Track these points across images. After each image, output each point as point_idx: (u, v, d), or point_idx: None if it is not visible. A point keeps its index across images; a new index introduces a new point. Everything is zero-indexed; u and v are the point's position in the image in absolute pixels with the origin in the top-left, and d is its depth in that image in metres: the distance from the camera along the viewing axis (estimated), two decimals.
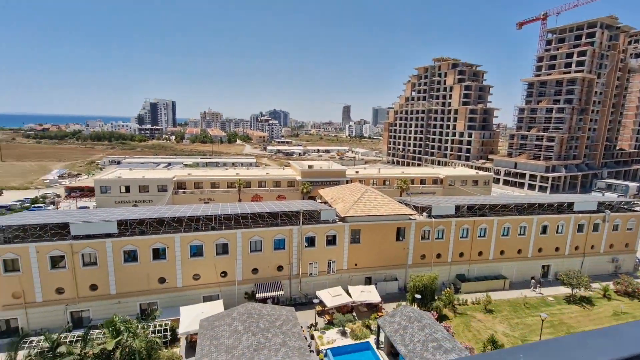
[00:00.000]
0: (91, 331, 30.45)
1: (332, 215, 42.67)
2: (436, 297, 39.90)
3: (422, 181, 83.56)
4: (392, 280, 44.27)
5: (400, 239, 44.66)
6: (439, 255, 46.14)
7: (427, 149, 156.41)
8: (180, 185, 69.95)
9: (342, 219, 43.03)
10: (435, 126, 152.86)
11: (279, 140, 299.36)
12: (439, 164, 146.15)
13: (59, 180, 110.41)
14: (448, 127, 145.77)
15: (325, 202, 52.39)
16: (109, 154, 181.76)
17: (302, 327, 32.41)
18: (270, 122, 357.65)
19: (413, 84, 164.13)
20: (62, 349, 28.04)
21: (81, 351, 27.90)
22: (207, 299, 38.24)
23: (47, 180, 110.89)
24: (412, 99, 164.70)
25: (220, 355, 24.04)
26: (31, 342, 30.07)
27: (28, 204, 78.92)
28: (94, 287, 35.52)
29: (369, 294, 39.31)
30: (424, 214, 47.41)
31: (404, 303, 39.05)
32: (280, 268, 40.72)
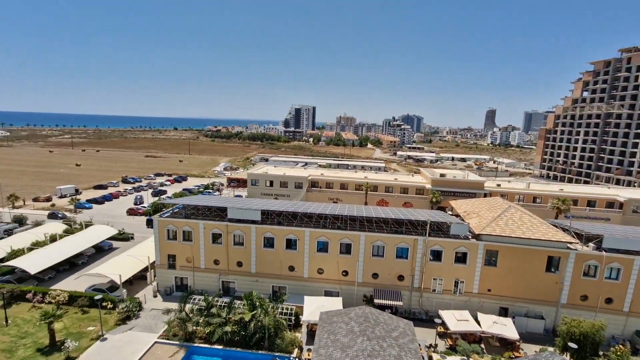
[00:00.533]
0: (235, 301, 36.07)
1: (464, 230, 38.60)
2: (600, 353, 31.21)
3: (591, 203, 66.93)
4: (536, 318, 36.90)
5: (552, 270, 36.81)
6: (609, 300, 36.00)
7: (600, 163, 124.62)
8: (313, 184, 75.83)
9: (476, 237, 38.37)
10: (616, 135, 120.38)
11: (410, 145, 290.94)
12: (617, 182, 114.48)
13: (224, 172, 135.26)
14: (638, 136, 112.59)
15: (457, 215, 47.88)
16: (260, 152, 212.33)
17: (419, 344, 30.39)
18: (402, 127, 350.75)
19: (586, 82, 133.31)
20: (214, 310, 34.04)
21: (226, 316, 33.29)
22: (328, 293, 40.13)
23: (216, 171, 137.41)
24: (583, 100, 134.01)
25: (336, 351, 24.75)
26: (194, 299, 37.68)
27: (202, 189, 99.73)
28: (239, 264, 41.95)
29: (504, 328, 33.80)
30: (590, 244, 37.77)
31: (550, 349, 32.02)
32: (401, 277, 39.29)
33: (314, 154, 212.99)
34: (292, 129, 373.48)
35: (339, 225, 41.02)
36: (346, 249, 39.79)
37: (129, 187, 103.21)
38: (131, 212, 76.48)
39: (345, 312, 29.66)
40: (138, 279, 45.82)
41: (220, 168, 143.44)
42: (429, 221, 39.11)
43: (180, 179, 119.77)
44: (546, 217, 55.60)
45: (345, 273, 40.14)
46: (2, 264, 44.85)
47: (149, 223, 67.34)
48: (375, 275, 39.61)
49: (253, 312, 32.11)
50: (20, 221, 64.89)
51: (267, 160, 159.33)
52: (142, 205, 79.67)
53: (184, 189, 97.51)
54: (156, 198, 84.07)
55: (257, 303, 32.54)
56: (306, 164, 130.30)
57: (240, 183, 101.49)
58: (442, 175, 75.92)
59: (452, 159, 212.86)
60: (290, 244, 40.71)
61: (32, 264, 43.64)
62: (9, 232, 59.09)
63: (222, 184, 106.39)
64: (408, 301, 39.17)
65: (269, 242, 41.06)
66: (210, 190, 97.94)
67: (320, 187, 75.25)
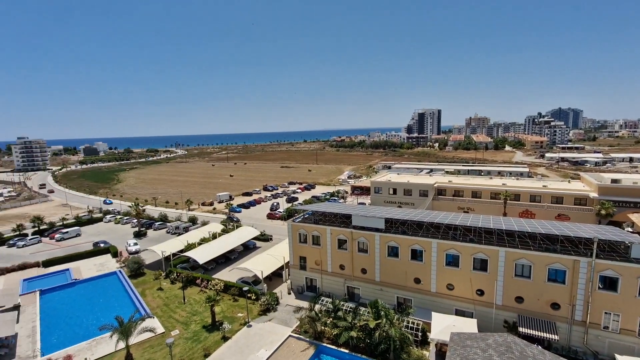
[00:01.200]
0: (360, 307, 36.53)
1: None
2: None
3: None
4: None
5: None
6: None
7: None
8: (440, 192, 70.86)
9: None
10: None
11: (563, 145, 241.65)
12: None
13: (348, 180, 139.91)
14: None
15: None
16: (383, 160, 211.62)
17: None
18: (553, 123, 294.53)
19: None
20: (340, 313, 35.21)
21: (351, 320, 33.97)
22: (459, 312, 36.51)
23: (340, 180, 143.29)
24: None
25: None
26: (322, 300, 39.84)
27: (328, 196, 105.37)
28: (364, 271, 42.36)
29: None
30: None
31: None
32: (555, 306, 32.55)
33: (440, 159, 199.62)
34: (415, 134, 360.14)
35: (472, 237, 37.00)
36: (481, 265, 35.60)
37: (268, 194, 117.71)
38: (270, 216, 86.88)
39: (482, 337, 26.27)
40: (276, 276, 51.40)
41: (345, 176, 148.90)
42: (596, 239, 31.31)
43: (309, 187, 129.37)
44: None
45: (481, 292, 35.79)
46: (182, 254, 57.30)
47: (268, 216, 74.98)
48: (519, 299, 33.98)
49: (378, 321, 31.82)
50: (193, 221, 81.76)
51: (389, 167, 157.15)
52: (278, 210, 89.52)
53: (312, 196, 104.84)
54: (289, 204, 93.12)
55: (382, 312, 32.11)
56: (431, 170, 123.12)
57: (364, 191, 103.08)
58: (614, 181, 60.11)
59: (630, 159, 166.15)
60: (416, 255, 38.89)
61: (201, 255, 54.24)
62: (186, 229, 75.18)
63: (347, 192, 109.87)
64: (566, 336, 32.03)
65: (393, 251, 40.21)
66: (336, 198, 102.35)
67: (448, 196, 69.71)
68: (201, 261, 53.26)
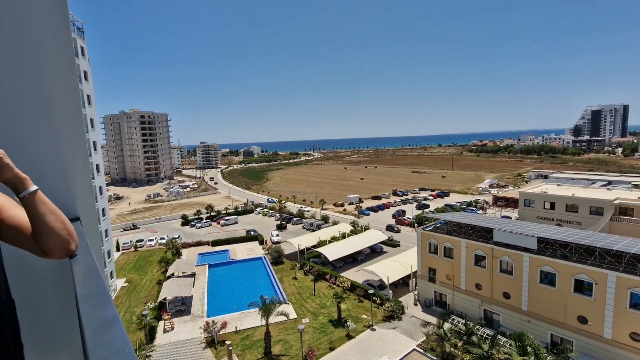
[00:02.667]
0: (499, 336, 31.78)
1: None
2: None
3: None
4: None
5: None
6: None
7: None
8: (623, 211, 55.11)
9: None
10: None
11: None
12: None
13: (489, 189, 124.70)
14: None
15: None
16: (537, 168, 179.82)
17: None
18: None
19: None
20: (474, 338, 31.46)
21: (488, 350, 29.86)
22: None
23: (480, 188, 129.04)
24: None
25: None
26: (453, 319, 36.44)
27: (464, 206, 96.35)
28: (506, 295, 36.70)
29: None
30: None
31: None
32: None
33: (624, 169, 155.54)
34: (586, 137, 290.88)
35: None
36: None
37: (397, 199, 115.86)
38: (399, 221, 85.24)
39: None
40: (401, 284, 49.97)
41: (485, 185, 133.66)
42: None
43: (443, 194, 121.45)
44: None
45: None
46: (314, 249, 62.07)
47: (390, 229, 74.25)
48: None
49: (523, 358, 26.97)
50: (325, 219, 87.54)
51: (545, 177, 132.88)
52: (407, 217, 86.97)
53: (445, 205, 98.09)
54: (420, 211, 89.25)
55: (530, 349, 27.07)
56: (609, 182, 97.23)
57: (509, 203, 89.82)
58: None
59: None
60: (582, 288, 31.39)
61: (331, 253, 57.50)
62: (319, 227, 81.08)
63: (487, 203, 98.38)
64: None
65: (548, 278, 33.57)
66: (473, 208, 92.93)
67: (637, 217, 53.50)
68: (331, 258, 56.41)
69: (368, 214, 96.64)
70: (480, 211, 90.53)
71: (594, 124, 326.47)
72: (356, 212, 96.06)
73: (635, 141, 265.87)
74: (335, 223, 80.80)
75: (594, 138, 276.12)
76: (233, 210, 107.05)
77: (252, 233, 78.90)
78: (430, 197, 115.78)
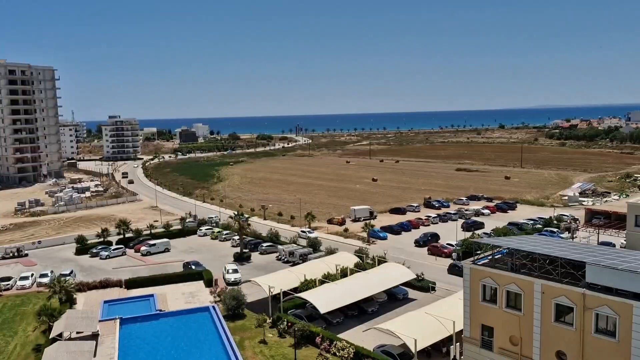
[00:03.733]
0: None
1: None
2: None
3: None
4: None
5: None
6: None
7: None
8: None
9: None
10: None
11: None
12: None
13: (580, 199, 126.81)
14: None
15: None
16: None
17: None
18: None
19: None
20: None
21: None
22: None
23: (566, 197, 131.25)
24: None
25: None
26: None
27: (540, 225, 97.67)
28: None
29: None
30: None
31: None
32: None
33: None
34: None
35: None
36: None
37: (432, 213, 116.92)
38: (433, 250, 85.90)
39: None
40: (436, 351, 50.37)
41: (575, 192, 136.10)
42: None
43: (506, 206, 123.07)
44: None
45: None
46: (297, 295, 62.10)
47: (453, 269, 73.25)
48: None
49: None
50: (314, 246, 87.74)
51: None
52: (447, 243, 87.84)
53: (509, 223, 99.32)
54: (468, 233, 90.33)
55: None
56: None
57: (612, 220, 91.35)
58: None
59: None
60: None
61: (323, 301, 57.58)
62: (304, 257, 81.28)
63: (577, 220, 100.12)
64: None
65: None
66: (555, 230, 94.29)
67: None
68: (323, 309, 56.44)
69: (385, 238, 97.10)
70: (566, 234, 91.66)
71: None
72: (365, 235, 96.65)
73: None
74: (330, 252, 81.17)
75: None
76: (162, 229, 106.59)
77: (193, 267, 78.68)
78: (486, 211, 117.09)
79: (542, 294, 40.23)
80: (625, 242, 70.48)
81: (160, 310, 62.18)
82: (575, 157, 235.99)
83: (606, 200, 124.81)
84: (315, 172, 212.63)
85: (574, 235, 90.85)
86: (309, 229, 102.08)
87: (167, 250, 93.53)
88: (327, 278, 66.76)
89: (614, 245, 76.98)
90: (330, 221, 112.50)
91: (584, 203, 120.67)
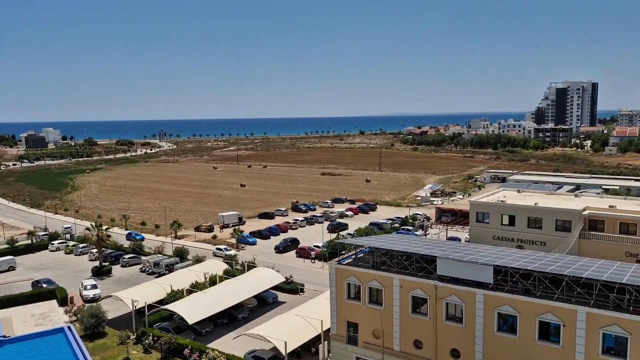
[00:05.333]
0: None
1: None
2: None
3: None
4: None
5: None
6: None
7: None
8: (593, 225, 66.89)
9: None
10: None
11: None
12: None
13: (431, 199, 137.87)
14: None
15: None
16: (492, 167, 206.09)
17: None
18: None
19: None
20: None
21: None
22: None
23: (419, 198, 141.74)
24: None
25: None
26: None
27: (397, 224, 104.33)
28: (455, 354, 40.86)
29: None
30: None
31: None
32: None
33: (595, 169, 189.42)
34: (550, 125, 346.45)
35: None
36: None
37: (300, 216, 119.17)
38: (301, 253, 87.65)
39: None
40: (306, 351, 51.42)
41: (426, 192, 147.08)
42: None
43: (367, 207, 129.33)
44: None
45: None
46: (163, 307, 59.37)
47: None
48: None
49: None
50: (181, 255, 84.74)
51: (503, 180, 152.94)
52: (315, 245, 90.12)
53: (371, 224, 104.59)
54: (333, 235, 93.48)
55: None
56: (578, 187, 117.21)
57: (458, 218, 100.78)
58: None
59: None
60: (548, 332, 37.05)
61: (191, 312, 55.84)
62: (170, 268, 78.07)
63: (429, 218, 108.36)
64: None
65: (508, 324, 38.61)
66: (410, 228, 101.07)
67: (609, 232, 65.67)
68: (191, 320, 54.76)
69: (254, 243, 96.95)
70: (420, 231, 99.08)
71: (559, 106, 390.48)
72: (234, 241, 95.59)
73: (605, 131, 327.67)
74: (198, 260, 79.11)
75: (559, 126, 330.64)
76: (6, 245, 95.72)
77: (44, 286, 71.80)
78: (350, 213, 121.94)
79: (401, 288, 42.97)
80: (468, 237, 77.84)
81: (4, 337, 55.43)
82: (426, 160, 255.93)
83: (453, 200, 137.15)
84: (181, 178, 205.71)
85: (427, 232, 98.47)
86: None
87: (12, 268, 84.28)
88: (196, 287, 64.86)
89: (460, 240, 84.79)
90: (197, 229, 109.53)
91: (434, 202, 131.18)
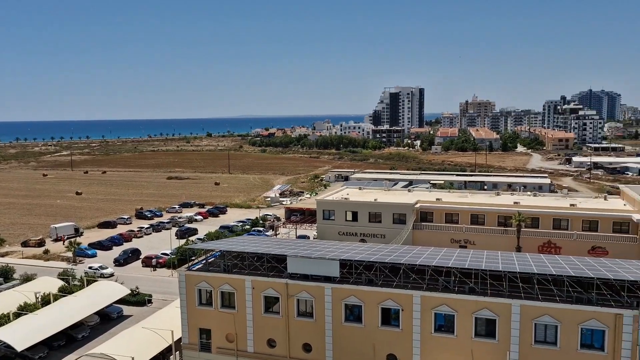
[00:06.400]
0: None
1: None
2: None
3: None
4: None
5: None
6: None
7: None
8: (424, 216, 73.93)
9: None
10: None
11: (597, 145, 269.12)
12: None
13: (280, 200, 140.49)
14: None
15: None
16: (335, 167, 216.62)
17: None
18: (582, 113, 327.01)
19: None
20: None
21: None
22: None
23: (269, 199, 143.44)
24: None
25: None
26: None
27: (248, 226, 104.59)
28: (307, 348, 42.24)
29: None
30: None
31: None
32: None
33: (424, 166, 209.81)
34: (386, 127, 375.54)
35: (473, 286, 39.11)
36: (487, 328, 37.91)
37: (145, 223, 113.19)
38: (147, 262, 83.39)
39: None
40: None
41: (275, 193, 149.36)
42: None
43: (217, 210, 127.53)
44: None
45: None
46: None
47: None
48: None
49: None
50: (5, 274, 75.18)
51: (346, 178, 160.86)
52: (162, 253, 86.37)
53: (221, 227, 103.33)
54: (182, 240, 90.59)
55: None
56: (411, 183, 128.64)
57: (306, 216, 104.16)
58: None
59: None
60: (389, 317, 40.05)
61: (19, 337, 49.82)
62: None
63: (278, 218, 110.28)
64: None
65: (354, 313, 40.88)
66: (261, 229, 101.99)
67: (437, 222, 73.14)
68: (20, 346, 49.12)
69: (94, 255, 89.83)
70: (270, 231, 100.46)
71: (392, 110, 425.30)
72: (70, 254, 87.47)
73: (431, 132, 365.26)
74: (28, 279, 71.01)
75: (393, 128, 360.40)
76: None
77: None
78: (199, 217, 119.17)
79: (253, 289, 43.24)
80: (316, 234, 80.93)
81: None
82: (275, 162, 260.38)
83: (301, 199, 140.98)
84: (3, 188, 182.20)
85: (277, 232, 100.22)
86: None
87: None
88: (25, 309, 58.05)
89: (309, 238, 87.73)
90: (25, 244, 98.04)
91: (283, 203, 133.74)
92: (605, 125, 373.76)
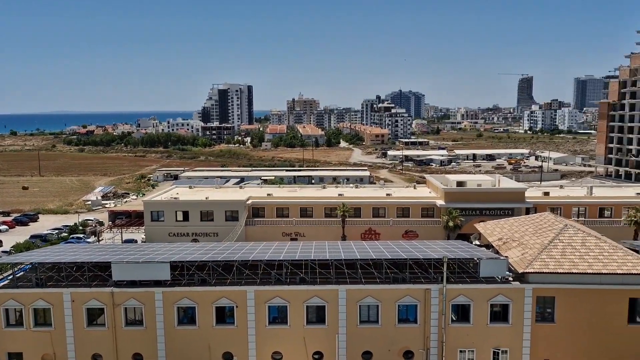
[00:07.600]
0: None
1: (500, 268, 40.05)
2: None
3: None
4: None
5: (638, 319, 38.92)
6: None
7: None
8: (256, 212, 75.06)
9: (520, 277, 39.83)
10: None
11: (407, 140, 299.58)
12: None
13: (102, 202, 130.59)
14: None
15: (488, 246, 49.34)
16: (164, 165, 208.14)
17: None
18: (394, 111, 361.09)
19: None
20: None
21: None
22: None
23: (89, 202, 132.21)
24: None
25: None
26: None
27: (66, 233, 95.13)
28: (138, 358, 40.06)
29: None
30: None
31: None
32: (409, 354, 39.67)
33: (255, 162, 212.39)
34: (215, 124, 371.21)
35: (303, 276, 40.83)
36: (317, 315, 39.81)
37: None
38: None
39: None
40: None
41: (97, 196, 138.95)
42: (446, 259, 40.15)
43: (26, 218, 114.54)
44: (621, 239, 59.11)
45: (319, 355, 39.80)
46: None
47: None
48: (367, 355, 39.60)
49: None
50: None
51: (176, 177, 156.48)
52: None
53: (32, 236, 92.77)
54: None
55: None
56: (242, 179, 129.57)
57: (132, 219, 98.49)
58: (460, 184, 78.66)
59: (474, 157, 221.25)
60: (224, 316, 39.96)
61: None
62: None
63: (102, 223, 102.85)
64: None
65: (187, 316, 40.04)
66: (81, 235, 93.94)
67: (269, 217, 74.76)
68: None
69: None
70: (92, 238, 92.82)
71: (222, 106, 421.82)
72: None
73: (261, 129, 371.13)
74: None
75: (223, 125, 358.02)
76: None
77: None
78: (4, 227, 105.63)
79: (73, 302, 39.61)
80: (145, 237, 77.12)
81: None
82: (95, 162, 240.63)
83: (126, 201, 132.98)
84: None
85: (101, 238, 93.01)
86: None
87: None
88: None
89: (136, 241, 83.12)
90: None
91: (106, 206, 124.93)
92: (413, 122, 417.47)
